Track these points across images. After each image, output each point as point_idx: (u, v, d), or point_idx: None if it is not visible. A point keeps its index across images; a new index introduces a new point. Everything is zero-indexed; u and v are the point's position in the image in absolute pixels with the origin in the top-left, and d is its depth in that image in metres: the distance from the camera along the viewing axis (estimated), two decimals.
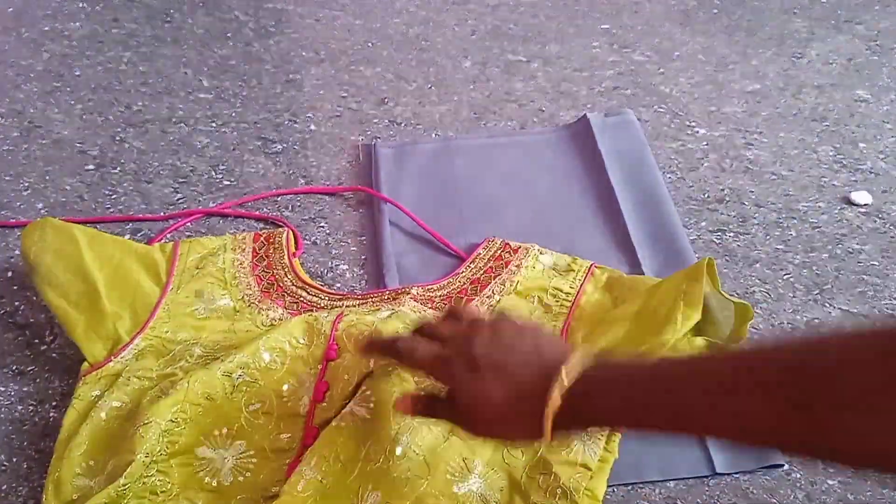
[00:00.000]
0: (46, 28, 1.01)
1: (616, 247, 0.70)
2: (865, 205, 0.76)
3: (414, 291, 0.64)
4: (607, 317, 0.60)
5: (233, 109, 0.88)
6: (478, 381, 0.43)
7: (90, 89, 0.91)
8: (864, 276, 0.69)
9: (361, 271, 0.70)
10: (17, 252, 0.72)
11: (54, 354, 0.64)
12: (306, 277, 0.67)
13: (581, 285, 0.64)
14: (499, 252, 0.67)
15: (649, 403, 0.39)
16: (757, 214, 0.75)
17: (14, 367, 0.63)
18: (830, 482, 0.55)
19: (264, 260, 0.67)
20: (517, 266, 0.66)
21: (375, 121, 0.87)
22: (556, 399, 0.40)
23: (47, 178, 0.80)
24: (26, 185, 0.79)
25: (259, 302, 0.64)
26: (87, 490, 0.51)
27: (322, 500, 0.49)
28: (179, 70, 0.94)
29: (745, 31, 1.00)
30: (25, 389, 0.61)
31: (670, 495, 0.54)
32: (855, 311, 0.66)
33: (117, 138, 0.85)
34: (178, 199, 0.77)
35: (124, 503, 0.50)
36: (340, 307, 0.63)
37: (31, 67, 0.94)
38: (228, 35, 1.00)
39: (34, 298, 0.68)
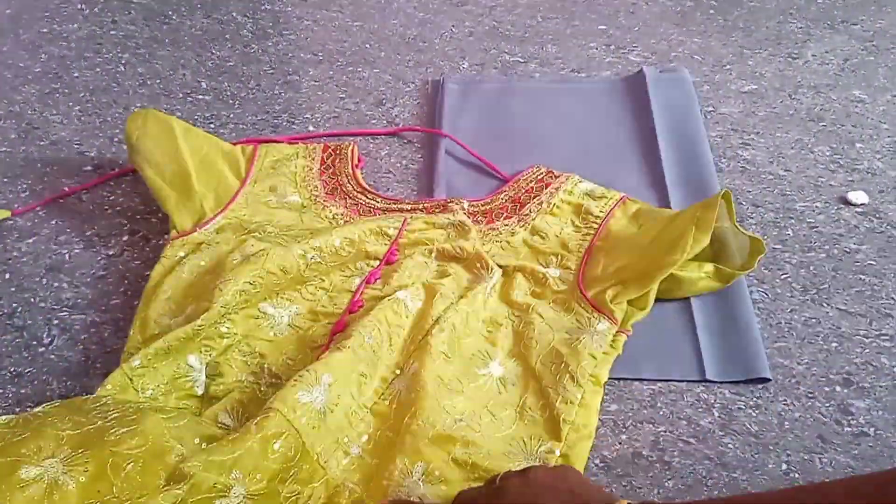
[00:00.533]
0: (44, 30, 1.01)
1: (650, 186, 0.76)
2: (862, 204, 0.76)
3: (464, 205, 0.72)
4: (629, 239, 0.67)
5: (231, 111, 0.88)
6: None
7: (88, 91, 0.91)
8: (862, 276, 0.69)
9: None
10: (14, 254, 0.72)
11: (52, 356, 0.64)
12: (365, 185, 0.76)
13: (610, 210, 0.70)
14: (542, 177, 0.75)
15: None
16: (754, 214, 0.75)
17: (12, 370, 0.63)
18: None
19: (330, 168, 0.77)
20: (556, 189, 0.73)
21: (374, 121, 0.87)
22: None
23: (45, 179, 0.80)
24: (24, 186, 0.79)
25: (324, 200, 0.74)
26: (167, 328, 0.60)
27: (365, 357, 0.57)
28: (178, 71, 0.94)
29: (742, 32, 1.00)
30: (23, 392, 0.61)
31: (668, 495, 0.54)
32: (852, 310, 0.66)
33: (115, 139, 0.85)
34: None
35: (198, 340, 0.59)
36: (402, 213, 0.71)
37: (30, 69, 0.94)
38: (226, 37, 1.00)
39: (32, 300, 0.68)
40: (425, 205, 0.73)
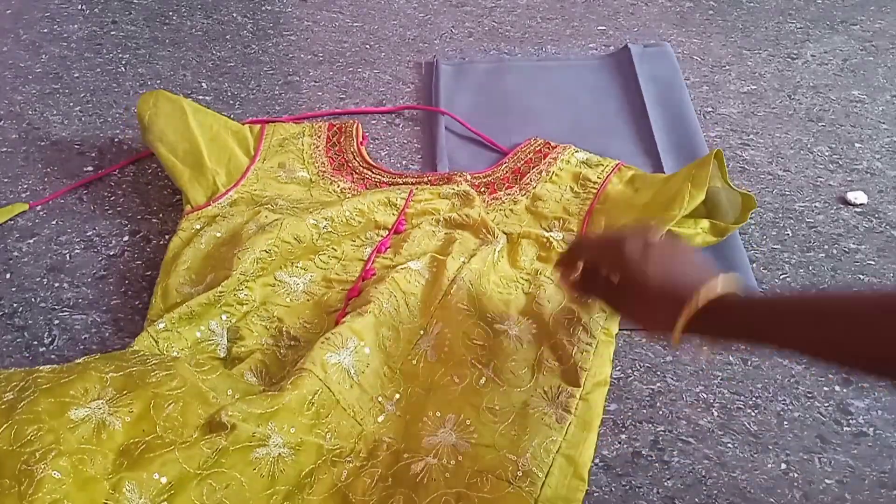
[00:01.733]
0: (45, 30, 1.01)
1: (643, 154, 0.80)
2: (861, 205, 0.76)
3: (466, 177, 0.75)
4: (627, 201, 0.71)
5: (231, 111, 0.88)
6: (644, 263, 0.49)
7: (89, 91, 0.91)
8: (861, 276, 0.69)
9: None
10: (15, 254, 0.72)
11: (53, 357, 0.64)
12: (370, 160, 0.78)
13: (607, 177, 0.74)
14: (539, 148, 0.78)
15: (783, 329, 0.43)
16: (753, 214, 0.75)
17: (12, 369, 0.63)
18: (828, 481, 0.55)
19: (336, 145, 0.79)
20: (554, 159, 0.76)
21: (374, 122, 0.87)
22: (696, 302, 0.45)
23: (46, 180, 0.80)
24: (25, 186, 0.79)
25: (331, 175, 0.76)
26: (188, 296, 0.63)
27: (386, 321, 0.59)
28: (178, 72, 0.94)
29: (741, 33, 1.00)
30: None
31: (668, 494, 0.54)
32: None
33: (116, 140, 0.85)
34: (176, 201, 0.77)
35: (218, 307, 0.61)
36: (408, 185, 0.73)
37: (30, 69, 0.94)
38: (227, 37, 1.00)
39: (33, 300, 0.68)
40: (429, 178, 0.75)
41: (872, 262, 0.70)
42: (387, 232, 0.68)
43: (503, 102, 0.87)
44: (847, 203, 0.76)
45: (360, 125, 0.82)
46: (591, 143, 0.79)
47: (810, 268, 0.70)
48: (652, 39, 0.99)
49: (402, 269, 0.63)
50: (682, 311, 0.46)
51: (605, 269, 0.52)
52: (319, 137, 0.80)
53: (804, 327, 0.43)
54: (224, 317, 0.61)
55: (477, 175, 0.76)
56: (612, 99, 0.88)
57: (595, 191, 0.72)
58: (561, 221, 0.70)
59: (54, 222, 0.75)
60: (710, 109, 0.88)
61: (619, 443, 0.57)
